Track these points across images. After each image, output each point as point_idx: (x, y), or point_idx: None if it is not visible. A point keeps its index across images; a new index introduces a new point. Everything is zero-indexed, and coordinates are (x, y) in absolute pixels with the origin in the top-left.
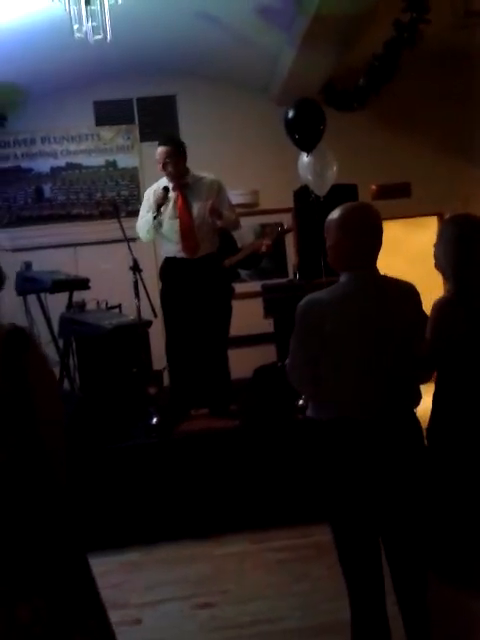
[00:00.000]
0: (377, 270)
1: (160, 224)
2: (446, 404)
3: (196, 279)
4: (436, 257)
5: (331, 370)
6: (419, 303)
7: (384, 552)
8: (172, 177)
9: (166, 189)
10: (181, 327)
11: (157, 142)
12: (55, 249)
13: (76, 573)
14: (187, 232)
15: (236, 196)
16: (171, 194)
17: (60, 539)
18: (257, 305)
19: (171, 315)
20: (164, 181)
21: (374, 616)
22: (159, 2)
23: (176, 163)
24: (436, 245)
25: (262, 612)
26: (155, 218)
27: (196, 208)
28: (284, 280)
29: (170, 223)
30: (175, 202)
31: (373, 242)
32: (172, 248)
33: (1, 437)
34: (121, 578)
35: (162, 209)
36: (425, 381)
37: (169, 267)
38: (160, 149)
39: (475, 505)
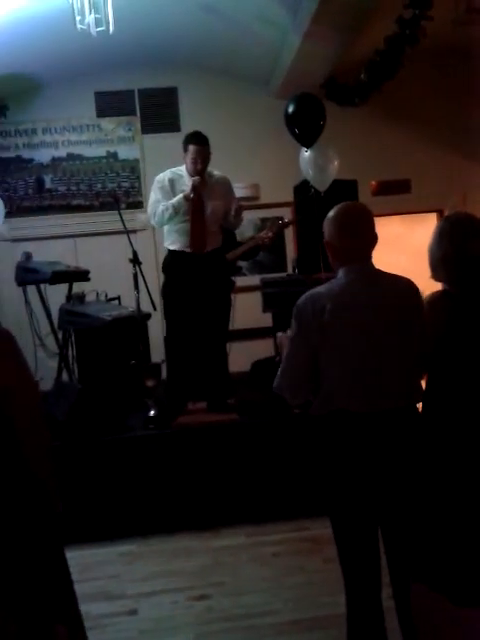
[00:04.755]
0: (373, 265)
1: (176, 213)
2: (435, 400)
3: (201, 273)
4: (429, 252)
5: (329, 362)
6: (418, 298)
7: (383, 545)
8: (200, 175)
9: (196, 189)
10: (182, 320)
11: (158, 134)
12: (55, 240)
13: (49, 574)
14: (198, 231)
15: (236, 189)
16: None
17: (31, 535)
18: (256, 299)
19: (173, 308)
20: (174, 172)
21: (370, 609)
22: None
23: (206, 166)
24: (431, 241)
25: (257, 605)
26: (188, 200)
27: (209, 207)
28: (283, 274)
29: (182, 219)
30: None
31: (366, 239)
32: (180, 242)
33: None
34: (118, 569)
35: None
36: (422, 376)
37: (175, 260)
38: (200, 148)
39: (464, 508)
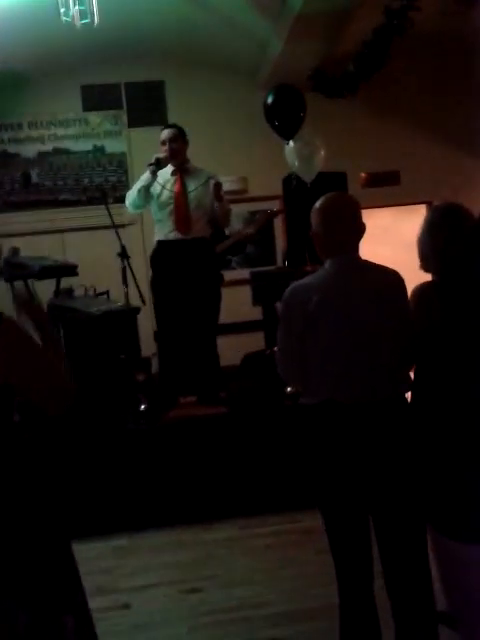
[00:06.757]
0: (359, 256)
1: (153, 197)
2: (424, 391)
3: (188, 262)
4: (419, 243)
5: (315, 353)
6: (403, 289)
7: (375, 536)
8: (173, 158)
9: (158, 160)
10: (172, 313)
11: (145, 127)
12: (42, 235)
13: (57, 566)
14: (181, 212)
15: (225, 183)
16: (171, 177)
17: (40, 528)
18: (246, 293)
19: (162, 301)
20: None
21: (362, 600)
22: None
23: (180, 146)
24: (420, 232)
25: (250, 597)
26: (153, 173)
27: (193, 193)
28: (273, 268)
29: (165, 203)
30: (173, 184)
31: (352, 229)
32: (165, 229)
33: None
34: (110, 563)
35: (157, 174)
36: (411, 367)
37: (161, 250)
38: (165, 131)
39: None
